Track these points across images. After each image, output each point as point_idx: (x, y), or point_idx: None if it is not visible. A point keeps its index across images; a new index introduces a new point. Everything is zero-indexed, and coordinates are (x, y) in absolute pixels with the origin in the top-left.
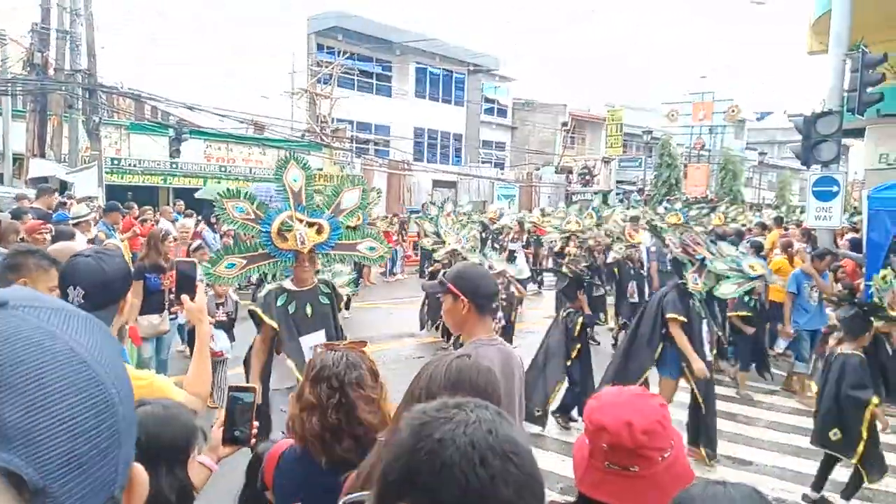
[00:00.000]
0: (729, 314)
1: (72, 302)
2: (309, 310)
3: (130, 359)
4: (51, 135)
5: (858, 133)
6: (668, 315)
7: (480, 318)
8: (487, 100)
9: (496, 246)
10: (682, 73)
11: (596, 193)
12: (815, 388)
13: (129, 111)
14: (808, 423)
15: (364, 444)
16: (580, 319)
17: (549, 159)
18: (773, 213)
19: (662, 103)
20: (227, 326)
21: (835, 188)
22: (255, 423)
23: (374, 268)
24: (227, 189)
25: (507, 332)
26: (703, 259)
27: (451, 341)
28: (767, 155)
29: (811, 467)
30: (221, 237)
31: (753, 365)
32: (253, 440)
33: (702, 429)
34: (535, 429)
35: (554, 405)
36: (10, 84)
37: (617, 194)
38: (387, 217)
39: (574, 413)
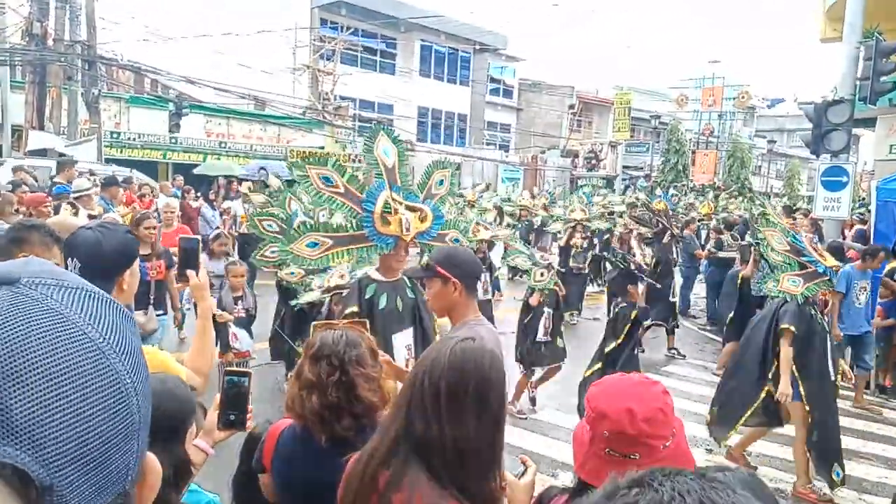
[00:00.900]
0: None
1: None
2: (400, 304)
3: None
4: (50, 107)
5: (869, 123)
6: (783, 326)
7: (469, 299)
8: (493, 80)
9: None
10: (692, 59)
11: (602, 179)
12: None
13: (129, 84)
14: None
15: (364, 423)
16: (632, 313)
17: (555, 142)
18: (781, 201)
19: (670, 87)
20: (246, 323)
21: (844, 178)
22: (251, 408)
23: None
24: (309, 154)
25: (556, 325)
26: (816, 262)
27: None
28: (777, 143)
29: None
30: (221, 214)
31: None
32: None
33: (812, 455)
34: None
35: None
36: (8, 54)
37: (623, 179)
38: None
39: None
